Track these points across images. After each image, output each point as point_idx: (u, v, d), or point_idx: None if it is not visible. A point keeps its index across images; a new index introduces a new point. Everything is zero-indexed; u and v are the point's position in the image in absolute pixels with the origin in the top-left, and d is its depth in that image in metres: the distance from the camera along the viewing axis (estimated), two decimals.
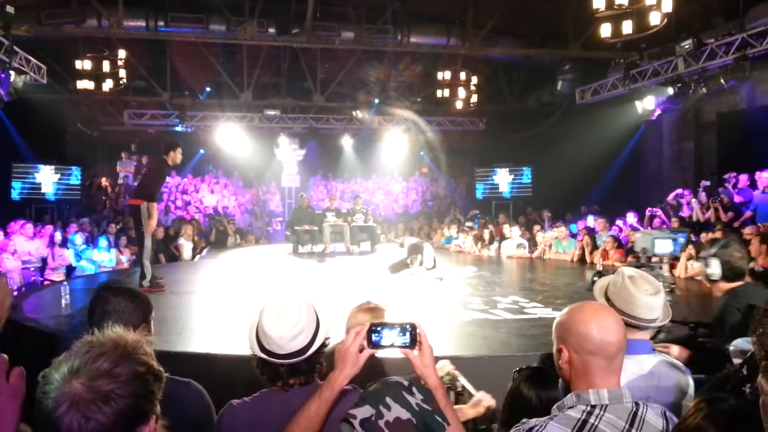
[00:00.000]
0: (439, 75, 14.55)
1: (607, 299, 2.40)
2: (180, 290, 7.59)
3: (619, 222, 11.71)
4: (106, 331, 1.24)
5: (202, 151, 18.10)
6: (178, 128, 16.51)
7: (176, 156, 7.52)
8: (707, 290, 7.33)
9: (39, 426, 1.14)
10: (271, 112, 16.53)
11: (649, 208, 11.51)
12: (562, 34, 13.14)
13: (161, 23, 13.21)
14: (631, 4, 8.36)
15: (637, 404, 1.70)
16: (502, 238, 12.06)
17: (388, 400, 1.50)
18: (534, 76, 16.44)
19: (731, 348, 2.48)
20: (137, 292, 2.36)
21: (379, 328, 1.76)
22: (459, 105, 14.88)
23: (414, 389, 1.54)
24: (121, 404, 1.12)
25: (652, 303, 2.33)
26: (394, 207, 18.75)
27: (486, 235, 12.67)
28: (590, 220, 12.27)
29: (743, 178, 10.68)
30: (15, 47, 10.30)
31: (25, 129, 13.47)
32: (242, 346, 4.17)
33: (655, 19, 8.61)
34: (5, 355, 1.16)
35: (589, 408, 1.67)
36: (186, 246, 12.24)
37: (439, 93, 14.79)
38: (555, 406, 1.77)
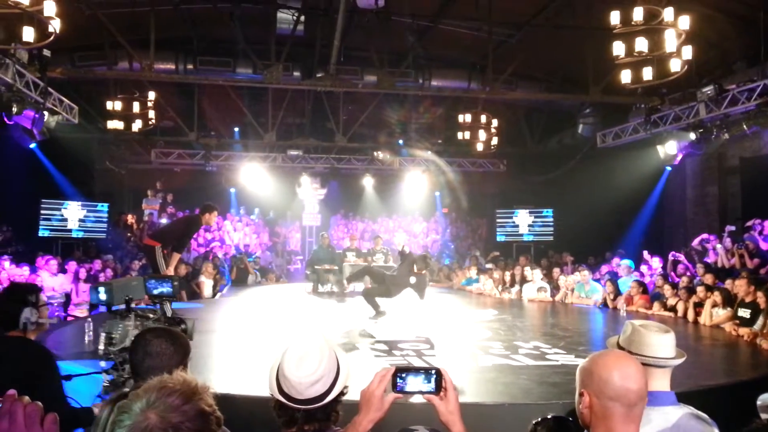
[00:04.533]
0: (460, 117, 14.71)
1: (621, 349, 2.42)
2: (200, 328, 7.55)
3: (643, 267, 11.57)
4: (177, 373, 1.32)
5: (233, 190, 18.40)
6: (208, 168, 16.84)
7: (211, 218, 7.96)
8: (727, 341, 7.20)
9: None
10: (294, 152, 16.80)
11: (672, 253, 11.37)
12: (582, 78, 13.26)
13: (190, 66, 13.66)
14: (651, 52, 8.43)
15: None
16: (523, 281, 11.96)
17: None
18: (554, 120, 16.57)
19: (759, 402, 2.45)
20: (178, 335, 2.42)
21: (404, 374, 1.77)
22: (480, 147, 14.99)
23: None
24: None
25: (664, 340, 2.38)
26: (413, 247, 18.70)
27: (507, 277, 12.58)
28: (626, 264, 11.85)
29: None
30: (49, 88, 10.68)
31: (54, 166, 13.83)
32: (261, 388, 4.17)
33: (675, 66, 8.68)
34: (40, 403, 1.22)
35: None
36: (206, 283, 12.31)
37: (459, 135, 14.93)
38: None
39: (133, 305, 3.13)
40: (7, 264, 10.13)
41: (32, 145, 12.26)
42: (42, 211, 13.73)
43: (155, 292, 2.95)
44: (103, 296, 3.12)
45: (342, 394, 2.05)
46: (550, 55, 13.77)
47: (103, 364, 2.95)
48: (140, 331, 2.40)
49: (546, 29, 12.32)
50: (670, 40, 8.19)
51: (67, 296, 10.65)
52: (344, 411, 2.07)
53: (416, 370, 1.78)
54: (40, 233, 13.57)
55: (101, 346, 2.86)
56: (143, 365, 2.24)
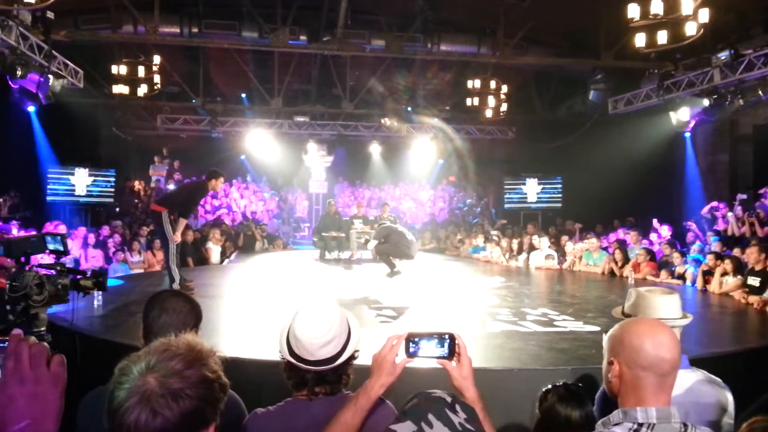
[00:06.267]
0: (469, 83, 14.51)
1: (628, 317, 2.42)
2: (208, 294, 7.66)
3: (653, 235, 11.51)
4: (182, 336, 1.28)
5: (243, 156, 18.38)
6: (214, 135, 16.77)
7: (217, 184, 7.94)
8: (736, 309, 7.18)
9: (105, 416, 1.17)
10: (300, 119, 16.67)
11: (687, 223, 11.30)
12: (594, 43, 13.01)
13: (195, 30, 13.46)
14: (667, 14, 8.23)
15: (685, 426, 1.64)
16: (531, 248, 11.93)
17: (430, 417, 1.45)
18: (565, 86, 16.32)
19: None
20: (193, 299, 2.42)
21: (417, 339, 1.74)
22: (488, 114, 14.82)
23: (457, 407, 1.49)
24: (188, 404, 1.16)
25: (669, 301, 2.41)
26: (420, 215, 18.70)
27: (514, 245, 12.55)
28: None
29: None
30: (54, 51, 10.55)
31: (61, 132, 13.77)
32: (270, 352, 4.18)
33: (691, 29, 8.47)
34: (46, 344, 1.19)
35: (635, 426, 1.63)
36: (214, 250, 12.36)
37: (468, 101, 14.75)
38: (600, 422, 1.73)
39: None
40: (15, 230, 10.17)
41: (31, 109, 12.20)
42: (50, 177, 13.73)
43: (50, 247, 3.17)
44: (4, 251, 3.35)
45: (353, 357, 2.04)
46: (562, 19, 13.46)
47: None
48: (156, 292, 2.40)
49: None
50: (687, 3, 7.99)
51: (76, 261, 10.71)
52: (356, 375, 2.06)
53: (429, 335, 1.75)
54: (48, 199, 13.59)
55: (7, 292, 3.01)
56: (158, 322, 2.22)
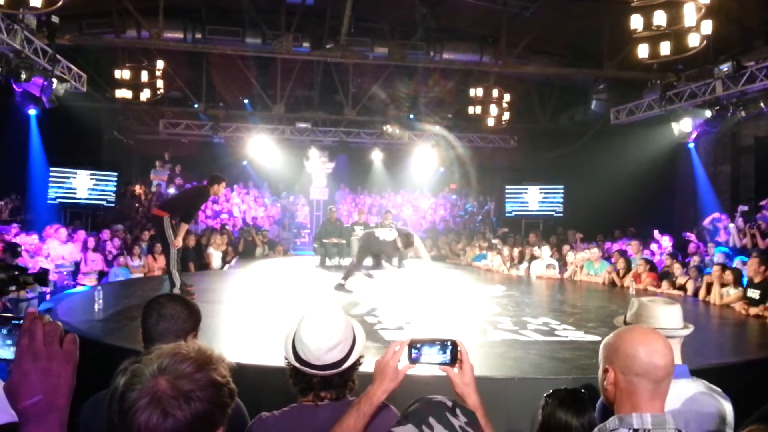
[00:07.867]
0: (471, 92, 14.54)
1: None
2: (209, 299, 7.65)
3: (653, 246, 11.50)
4: (192, 341, 1.31)
5: (245, 162, 18.41)
6: (215, 140, 16.81)
7: (219, 189, 7.98)
8: (736, 320, 7.16)
9: (114, 416, 1.18)
10: (302, 125, 16.71)
11: (686, 234, 11.29)
12: (597, 53, 13.04)
13: (199, 35, 13.53)
14: (670, 26, 8.24)
15: None
16: (532, 257, 11.91)
17: (431, 420, 1.46)
18: (567, 95, 16.37)
19: None
20: (190, 302, 2.42)
21: (419, 345, 1.74)
22: (491, 122, 14.84)
23: (458, 411, 1.50)
24: (199, 407, 1.17)
25: (671, 311, 2.42)
26: (422, 223, 18.68)
27: (515, 254, 12.53)
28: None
29: None
30: (58, 55, 10.59)
31: (63, 135, 13.79)
32: (271, 357, 4.18)
33: (693, 41, 8.49)
34: (59, 323, 1.22)
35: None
36: (215, 255, 12.35)
37: (470, 110, 14.77)
38: (596, 428, 1.74)
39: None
40: (14, 232, 10.18)
41: (32, 112, 12.23)
42: (51, 180, 13.73)
43: None
44: None
45: (358, 363, 2.05)
46: (565, 28, 13.53)
47: None
48: (152, 297, 2.39)
49: (562, 2, 12.07)
50: (690, 15, 8.00)
51: (77, 265, 10.72)
52: (360, 381, 2.06)
53: (432, 342, 1.75)
54: (49, 201, 13.59)
55: None
56: (157, 329, 2.22)
